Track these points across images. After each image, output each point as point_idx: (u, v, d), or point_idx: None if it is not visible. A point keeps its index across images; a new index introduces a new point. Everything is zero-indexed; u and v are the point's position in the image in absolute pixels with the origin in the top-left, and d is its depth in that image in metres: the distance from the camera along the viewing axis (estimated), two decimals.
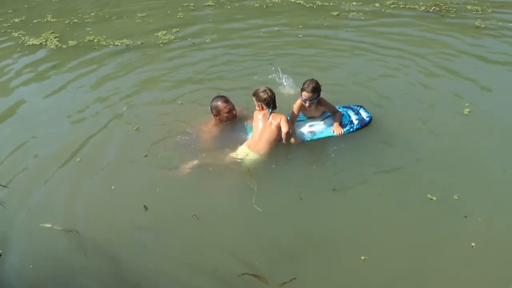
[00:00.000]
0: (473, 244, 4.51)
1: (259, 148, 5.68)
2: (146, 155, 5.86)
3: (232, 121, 6.21)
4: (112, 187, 5.45)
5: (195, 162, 5.66)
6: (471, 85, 7.18)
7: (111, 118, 6.73)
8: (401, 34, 9.13)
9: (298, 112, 6.05)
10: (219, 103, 6.05)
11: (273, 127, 5.73)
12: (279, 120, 5.73)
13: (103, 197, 5.38)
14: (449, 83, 7.25)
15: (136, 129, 6.44)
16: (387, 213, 4.98)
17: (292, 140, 5.84)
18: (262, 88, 5.83)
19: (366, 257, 4.44)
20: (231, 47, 8.96)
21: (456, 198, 5.03)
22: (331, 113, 6.19)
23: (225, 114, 6.07)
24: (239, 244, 4.75)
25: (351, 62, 8.15)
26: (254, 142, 5.73)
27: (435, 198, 5.03)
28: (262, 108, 5.84)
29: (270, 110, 5.81)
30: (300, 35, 9.28)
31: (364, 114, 6.22)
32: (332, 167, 5.62)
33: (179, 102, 6.98)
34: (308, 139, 5.98)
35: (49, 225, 4.87)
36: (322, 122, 6.18)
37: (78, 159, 5.92)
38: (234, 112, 6.15)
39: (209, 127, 6.19)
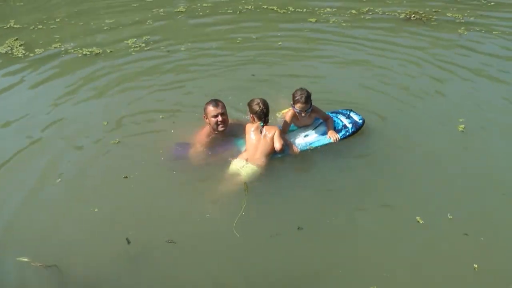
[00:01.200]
0: (475, 265, 4.34)
1: (255, 160, 5.44)
2: (126, 177, 5.47)
3: (225, 133, 5.86)
4: (96, 210, 5.05)
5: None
6: (463, 98, 6.97)
7: (91, 133, 6.33)
8: (387, 42, 8.93)
9: (291, 123, 5.87)
10: (209, 106, 5.71)
11: (268, 139, 5.51)
12: (273, 133, 5.52)
13: (85, 223, 4.96)
14: (441, 97, 7.04)
15: (117, 142, 6.06)
16: (381, 237, 4.76)
17: (292, 150, 5.68)
18: (256, 100, 5.59)
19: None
20: (209, 56, 8.58)
21: (451, 217, 4.84)
22: (322, 120, 6.04)
23: (212, 119, 5.68)
24: (222, 275, 4.44)
25: (335, 70, 7.97)
26: (250, 154, 5.49)
27: (422, 222, 4.81)
28: (254, 120, 5.60)
29: (261, 124, 5.56)
30: (280, 42, 8.97)
31: (355, 117, 6.11)
32: (321, 190, 5.39)
33: (160, 116, 6.58)
34: (306, 148, 5.79)
35: (26, 259, 4.38)
36: (314, 131, 6.01)
37: (58, 180, 5.48)
38: (222, 118, 5.70)
39: (200, 138, 5.85)
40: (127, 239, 4.69)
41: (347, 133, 5.93)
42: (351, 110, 6.23)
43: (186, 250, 4.65)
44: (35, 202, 5.19)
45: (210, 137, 5.85)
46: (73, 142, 6.15)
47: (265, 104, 5.58)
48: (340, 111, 6.33)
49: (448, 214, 4.86)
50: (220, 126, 5.74)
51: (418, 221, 4.80)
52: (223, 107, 5.74)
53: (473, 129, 6.18)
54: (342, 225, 4.89)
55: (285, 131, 5.86)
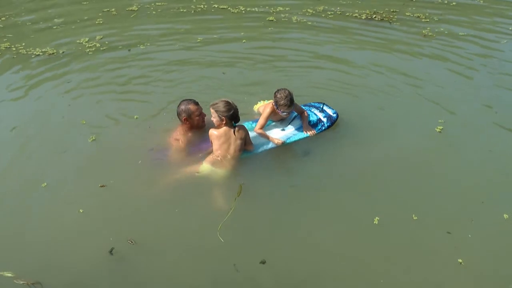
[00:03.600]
0: (460, 260, 4.31)
1: (228, 162, 5.32)
2: (103, 185, 5.14)
3: (200, 130, 5.75)
4: (81, 211, 4.80)
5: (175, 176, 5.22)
6: (441, 101, 6.74)
7: (67, 136, 6.04)
8: (354, 43, 8.84)
9: (268, 119, 5.76)
10: (190, 106, 5.55)
11: (238, 141, 5.36)
12: (244, 134, 5.43)
13: (69, 232, 4.63)
14: (418, 97, 6.90)
15: (93, 139, 5.85)
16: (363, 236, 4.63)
17: (276, 141, 5.68)
18: (223, 100, 5.27)
19: None
20: (173, 56, 8.21)
21: (416, 218, 4.73)
22: (297, 113, 6.01)
23: (196, 118, 5.60)
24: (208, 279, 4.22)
25: (303, 69, 7.78)
26: (222, 157, 5.32)
27: (377, 223, 4.70)
28: (224, 123, 5.29)
29: (234, 124, 5.35)
30: (244, 40, 8.77)
31: (329, 111, 6.19)
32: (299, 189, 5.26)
33: (135, 117, 6.26)
34: (286, 142, 5.77)
35: (10, 275, 3.96)
36: (291, 124, 6.01)
37: (43, 184, 5.15)
38: (203, 115, 5.68)
39: (176, 138, 5.61)
40: (111, 250, 4.37)
41: (323, 128, 5.97)
42: (324, 104, 6.27)
43: (171, 256, 4.43)
44: (23, 209, 4.91)
45: (187, 136, 5.65)
46: (51, 147, 5.84)
47: (233, 102, 5.35)
48: (313, 104, 6.39)
49: (413, 215, 4.77)
50: (203, 123, 5.71)
51: (375, 222, 4.67)
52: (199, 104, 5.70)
53: (451, 131, 6.09)
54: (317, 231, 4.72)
55: (263, 126, 5.72)
